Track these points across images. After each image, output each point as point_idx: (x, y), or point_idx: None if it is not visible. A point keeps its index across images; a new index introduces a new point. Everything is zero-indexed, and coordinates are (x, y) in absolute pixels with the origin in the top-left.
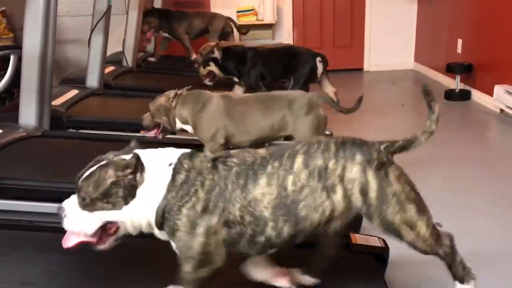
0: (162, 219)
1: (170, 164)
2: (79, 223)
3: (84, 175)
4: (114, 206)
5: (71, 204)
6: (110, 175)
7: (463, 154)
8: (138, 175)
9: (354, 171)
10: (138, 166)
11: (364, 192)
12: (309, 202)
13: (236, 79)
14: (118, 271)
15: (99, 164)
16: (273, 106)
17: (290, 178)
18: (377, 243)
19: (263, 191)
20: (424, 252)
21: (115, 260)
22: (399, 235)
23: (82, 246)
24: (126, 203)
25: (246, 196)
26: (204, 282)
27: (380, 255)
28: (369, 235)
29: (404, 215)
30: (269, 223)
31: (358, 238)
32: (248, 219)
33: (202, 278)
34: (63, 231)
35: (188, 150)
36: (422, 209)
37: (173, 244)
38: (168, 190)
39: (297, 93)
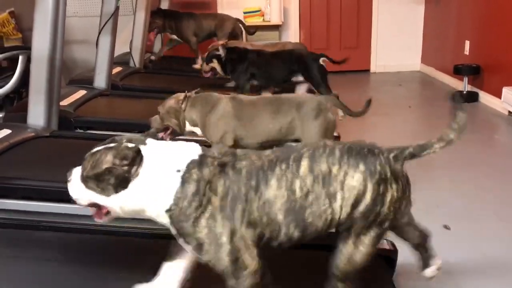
0: (175, 225)
1: (179, 171)
2: (76, 191)
3: (92, 151)
4: (103, 191)
5: (77, 172)
6: (107, 161)
7: (471, 156)
8: (134, 168)
9: (355, 178)
10: (136, 160)
11: (355, 204)
12: (314, 209)
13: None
14: (118, 270)
15: (107, 145)
16: (282, 109)
17: (297, 182)
18: (386, 245)
19: (275, 193)
20: (337, 272)
21: (114, 259)
22: (340, 245)
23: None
24: (116, 192)
25: (261, 197)
26: (260, 286)
27: (388, 258)
28: None
29: (364, 235)
30: (282, 228)
31: None
32: (266, 220)
33: (255, 285)
34: (70, 231)
35: (197, 155)
36: (379, 238)
37: (200, 258)
38: (178, 197)
39: (306, 97)
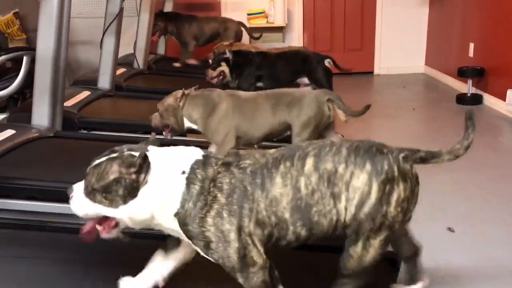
0: (182, 228)
1: (183, 173)
2: (81, 207)
3: (94, 163)
4: (111, 204)
5: (79, 187)
6: (114, 171)
7: (475, 159)
8: (142, 176)
9: (360, 179)
10: (143, 166)
11: (360, 205)
12: (320, 208)
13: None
14: (118, 271)
15: (110, 156)
16: (282, 103)
17: (302, 180)
18: (390, 247)
19: (280, 191)
20: (347, 272)
21: (115, 260)
22: (349, 247)
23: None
24: (125, 202)
25: (267, 195)
26: (270, 282)
27: (393, 260)
28: None
29: (374, 239)
30: (290, 227)
31: None
32: (274, 220)
33: (263, 282)
34: (74, 232)
35: (200, 155)
36: (388, 240)
37: (207, 256)
38: (184, 199)
39: (304, 91)
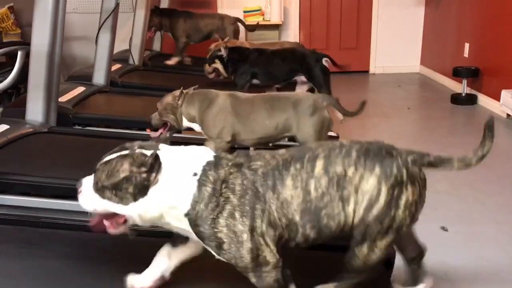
0: (193, 229)
1: (195, 174)
2: (90, 203)
3: (104, 159)
4: (121, 201)
5: (88, 182)
6: (125, 169)
7: None
8: (153, 175)
9: (369, 182)
10: (154, 166)
11: (368, 208)
12: (329, 211)
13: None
14: (117, 268)
15: (120, 153)
16: (278, 107)
17: (312, 183)
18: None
19: (291, 193)
20: (352, 269)
21: (123, 257)
22: (355, 247)
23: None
24: (135, 200)
25: (278, 197)
26: (283, 281)
27: (386, 259)
28: None
29: (380, 241)
30: (299, 229)
31: None
32: (284, 221)
33: (276, 281)
34: (68, 228)
35: (212, 157)
36: (393, 242)
37: (218, 256)
38: (195, 201)
39: (302, 95)
